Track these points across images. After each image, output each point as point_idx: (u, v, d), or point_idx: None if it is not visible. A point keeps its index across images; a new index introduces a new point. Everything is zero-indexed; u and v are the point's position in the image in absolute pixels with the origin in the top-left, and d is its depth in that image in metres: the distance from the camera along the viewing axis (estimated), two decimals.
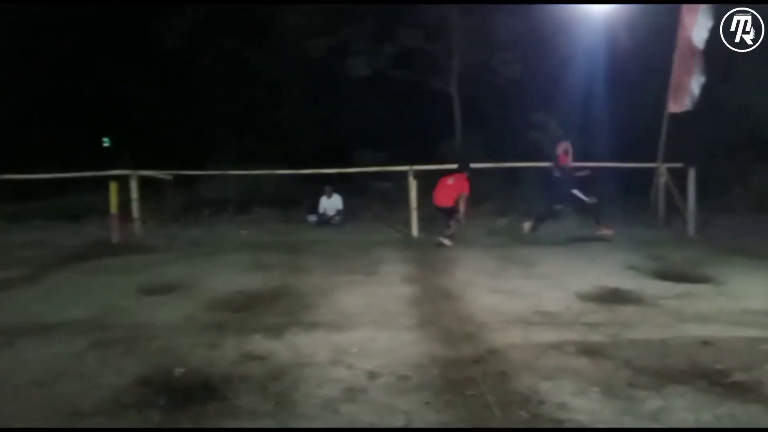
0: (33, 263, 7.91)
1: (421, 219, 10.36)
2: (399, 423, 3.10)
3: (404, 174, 10.76)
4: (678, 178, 10.51)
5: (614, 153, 11.85)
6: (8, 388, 3.62)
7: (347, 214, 12.84)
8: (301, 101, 19.38)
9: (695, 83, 10.16)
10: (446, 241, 8.97)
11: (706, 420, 3.12)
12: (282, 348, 4.33)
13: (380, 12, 16.27)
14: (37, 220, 12.34)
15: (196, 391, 3.50)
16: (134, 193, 10.63)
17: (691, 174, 10.13)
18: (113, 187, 10.15)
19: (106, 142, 23.16)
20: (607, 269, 7.05)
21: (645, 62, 9.76)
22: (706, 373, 3.72)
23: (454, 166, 9.59)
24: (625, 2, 12.26)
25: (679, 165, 10.49)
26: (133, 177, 10.64)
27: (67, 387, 3.64)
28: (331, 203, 12.78)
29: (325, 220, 12.51)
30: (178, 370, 3.82)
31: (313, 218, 12.67)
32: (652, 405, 3.29)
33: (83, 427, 3.14)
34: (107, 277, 7.00)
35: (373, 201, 14.20)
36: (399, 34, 16.09)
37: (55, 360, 4.10)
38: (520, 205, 12.57)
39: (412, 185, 10.33)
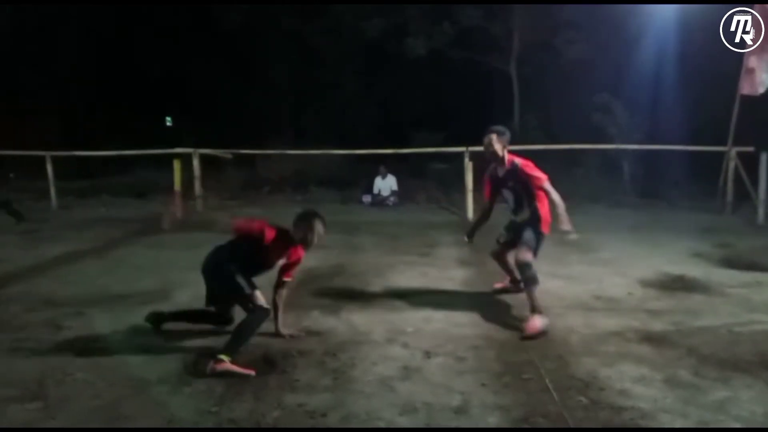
0: (100, 237, 8.25)
1: (476, 201, 10.24)
2: (455, 403, 3.09)
3: (460, 155, 10.65)
4: (749, 162, 10.08)
5: (683, 136, 11.41)
6: (79, 354, 3.79)
7: (402, 195, 12.83)
8: (359, 81, 19.40)
9: None
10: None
11: None
12: (339, 325, 4.39)
13: None
14: (104, 196, 12.85)
15: (257, 364, 3.58)
16: (196, 171, 10.91)
17: (763, 159, 9.73)
18: (177, 164, 10.43)
19: (168, 122, 23.82)
20: (671, 256, 6.84)
21: (717, 43, 9.39)
22: None
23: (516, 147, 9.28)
24: None
25: (750, 149, 10.08)
26: (195, 155, 10.92)
27: (133, 356, 3.79)
28: (385, 184, 12.79)
29: (379, 201, 12.52)
30: None
31: (367, 199, 12.70)
32: (717, 395, 3.18)
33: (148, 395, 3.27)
34: (170, 252, 7.23)
35: (429, 182, 14.13)
36: (458, 13, 15.85)
37: (122, 329, 4.27)
38: (581, 189, 12.27)
39: (468, 167, 10.22)
